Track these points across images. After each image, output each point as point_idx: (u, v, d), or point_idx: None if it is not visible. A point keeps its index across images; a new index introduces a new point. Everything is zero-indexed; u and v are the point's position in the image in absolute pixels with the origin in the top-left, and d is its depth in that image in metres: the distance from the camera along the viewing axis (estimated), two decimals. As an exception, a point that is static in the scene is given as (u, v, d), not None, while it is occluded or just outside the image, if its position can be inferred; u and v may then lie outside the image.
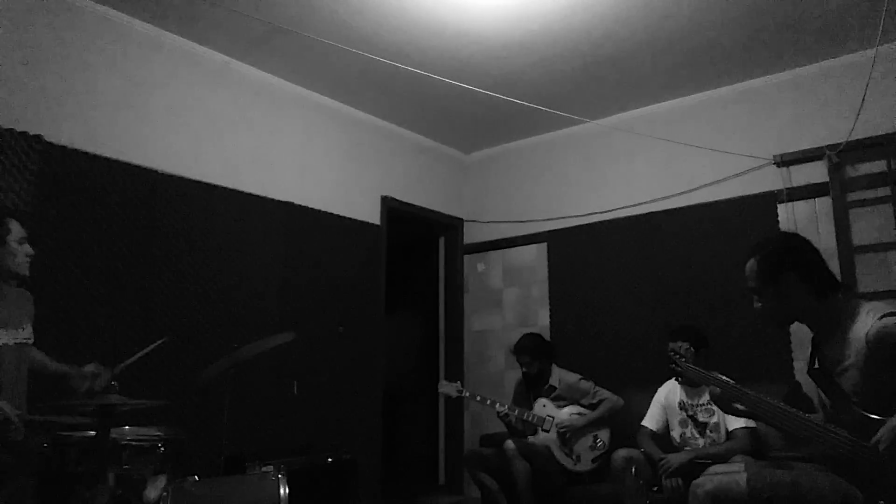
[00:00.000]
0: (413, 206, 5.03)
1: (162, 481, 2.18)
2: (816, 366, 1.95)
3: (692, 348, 3.21)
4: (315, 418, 4.01)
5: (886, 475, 1.64)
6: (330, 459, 3.48)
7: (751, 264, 2.04)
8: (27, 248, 2.40)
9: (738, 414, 2.13)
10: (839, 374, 1.84)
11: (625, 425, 3.63)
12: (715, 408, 3.20)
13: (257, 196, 3.94)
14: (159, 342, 2.73)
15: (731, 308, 3.89)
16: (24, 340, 2.38)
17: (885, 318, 1.74)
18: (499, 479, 3.65)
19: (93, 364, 2.55)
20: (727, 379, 2.14)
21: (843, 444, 1.75)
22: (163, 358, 3.33)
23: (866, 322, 1.78)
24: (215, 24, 3.53)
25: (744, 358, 3.77)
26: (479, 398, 3.88)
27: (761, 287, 2.00)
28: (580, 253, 4.69)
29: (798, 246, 2.01)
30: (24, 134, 2.97)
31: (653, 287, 4.28)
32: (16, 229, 2.39)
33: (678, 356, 2.52)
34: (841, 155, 3.71)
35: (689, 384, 3.30)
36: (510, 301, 5.11)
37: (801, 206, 3.84)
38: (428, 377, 5.29)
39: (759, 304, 2.04)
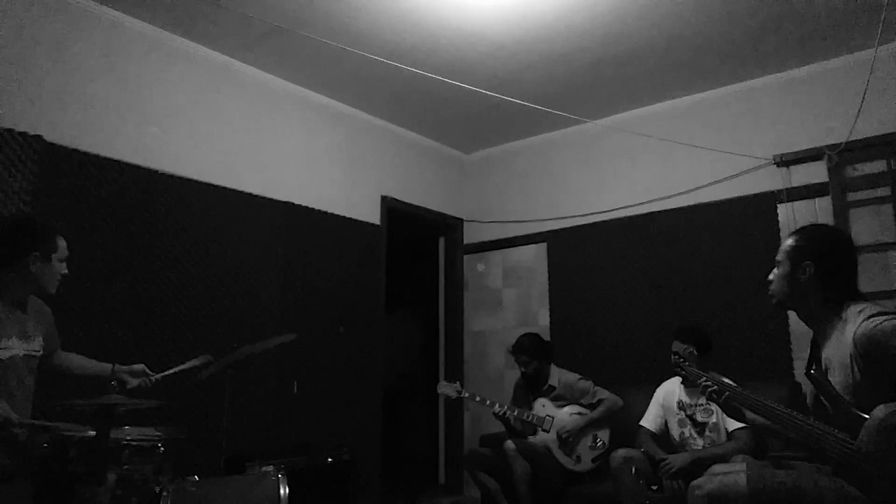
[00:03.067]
0: (413, 206, 5.03)
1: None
2: (814, 368, 1.96)
3: (695, 351, 3.21)
4: (315, 418, 4.02)
5: (882, 476, 1.64)
6: (330, 459, 3.49)
7: (789, 241, 2.05)
8: (63, 268, 2.45)
9: (739, 417, 2.14)
10: (833, 375, 1.85)
11: (625, 425, 3.63)
12: (714, 408, 3.21)
13: (257, 196, 3.94)
14: (203, 359, 2.74)
15: (731, 308, 3.90)
16: (34, 353, 2.41)
17: (871, 318, 1.75)
18: (499, 479, 3.65)
19: (141, 365, 2.65)
20: (730, 382, 2.15)
21: (841, 446, 1.75)
22: (164, 358, 3.33)
23: (855, 322, 1.78)
24: (215, 24, 3.53)
25: (744, 358, 3.77)
26: (478, 398, 3.88)
27: (782, 263, 2.03)
28: (580, 253, 4.69)
29: (837, 246, 2.01)
30: (24, 134, 2.97)
31: (652, 287, 4.28)
32: (62, 248, 2.44)
33: (682, 360, 2.52)
34: (841, 155, 3.71)
35: (694, 385, 3.29)
36: (510, 301, 5.11)
37: (801, 206, 3.84)
38: (428, 377, 5.29)
39: (771, 278, 2.07)
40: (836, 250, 1.99)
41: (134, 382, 2.61)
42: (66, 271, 2.47)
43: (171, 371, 2.69)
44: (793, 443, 1.95)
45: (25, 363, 2.36)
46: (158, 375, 2.67)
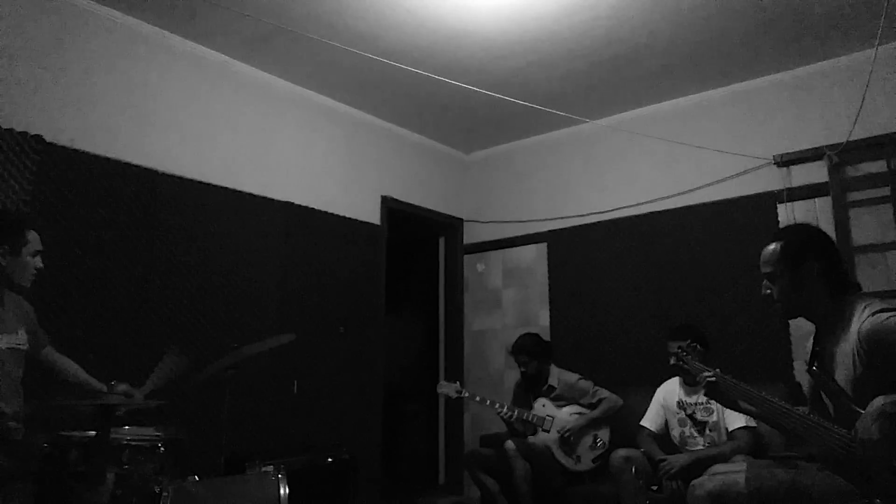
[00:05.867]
0: (413, 206, 5.03)
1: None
2: (816, 364, 1.95)
3: (698, 346, 3.20)
4: (315, 418, 4.01)
5: (875, 468, 1.64)
6: (330, 459, 3.49)
7: (772, 248, 2.01)
8: (37, 262, 2.42)
9: (740, 410, 2.14)
10: (835, 371, 1.85)
11: (625, 425, 3.63)
12: (714, 407, 3.21)
13: (257, 196, 3.94)
14: (172, 355, 2.70)
15: (731, 308, 3.90)
16: (18, 346, 2.39)
17: (877, 315, 1.74)
18: (499, 479, 3.65)
19: (125, 384, 2.59)
20: (732, 379, 2.15)
21: (839, 440, 1.75)
22: (161, 358, 3.33)
23: (861, 318, 1.78)
24: (215, 24, 3.53)
25: (744, 358, 3.77)
26: (478, 398, 3.88)
27: (779, 272, 1.98)
28: (580, 253, 4.69)
29: (823, 239, 2.00)
30: (24, 134, 2.97)
31: (653, 287, 4.28)
32: (33, 241, 2.40)
33: (686, 354, 2.51)
34: (841, 155, 3.71)
35: (695, 383, 3.29)
36: (510, 301, 5.11)
37: (801, 206, 3.84)
38: (428, 377, 5.29)
39: (770, 292, 2.02)
40: (827, 243, 1.99)
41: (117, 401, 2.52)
42: (41, 265, 2.43)
43: (152, 381, 2.61)
44: (790, 436, 1.96)
45: (10, 356, 2.34)
46: (141, 395, 2.57)
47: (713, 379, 2.14)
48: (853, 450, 1.69)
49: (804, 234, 2.04)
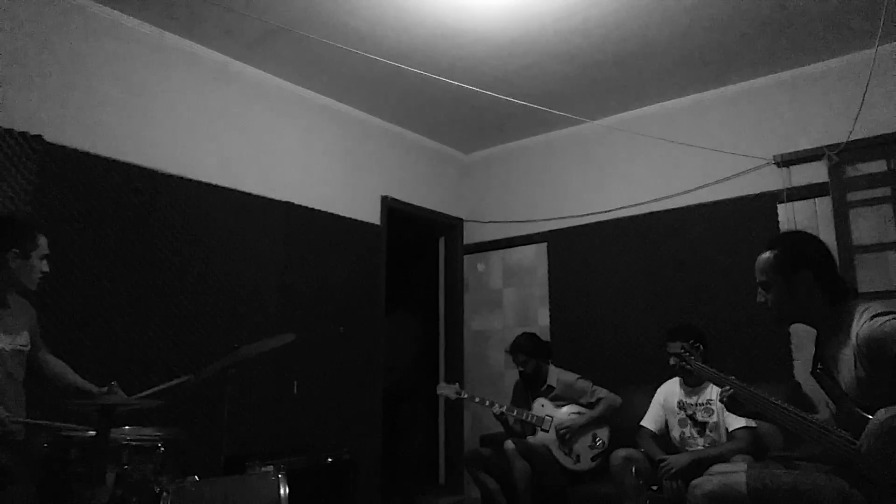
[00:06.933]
0: (413, 206, 5.03)
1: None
2: (819, 367, 1.95)
3: (701, 346, 3.19)
4: (315, 418, 4.01)
5: (880, 476, 1.64)
6: (330, 459, 3.49)
7: (766, 257, 2.01)
8: (44, 266, 2.45)
9: (745, 415, 2.13)
10: (837, 374, 1.85)
11: (625, 425, 3.63)
12: (714, 407, 3.21)
13: (257, 196, 3.94)
14: (183, 378, 2.68)
15: (731, 308, 3.89)
16: (21, 347, 2.41)
17: (875, 318, 1.74)
18: (499, 479, 3.65)
19: (114, 385, 2.54)
20: (734, 379, 2.14)
21: (844, 445, 1.75)
22: (163, 358, 3.34)
23: (859, 321, 1.78)
24: (215, 24, 3.53)
25: (744, 358, 3.77)
26: (477, 399, 3.88)
27: (773, 281, 1.99)
28: (580, 253, 4.69)
29: (818, 247, 2.00)
30: (24, 134, 2.97)
31: (653, 287, 4.28)
32: (42, 245, 2.44)
33: (688, 354, 2.51)
34: (841, 155, 3.71)
35: (695, 383, 3.29)
36: (510, 301, 5.11)
37: (801, 206, 3.84)
38: (428, 377, 5.29)
39: (765, 300, 2.02)
40: (821, 252, 1.98)
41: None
42: (48, 269, 2.46)
43: (150, 392, 2.58)
44: (803, 442, 1.96)
45: (13, 358, 2.36)
46: (135, 398, 2.53)
47: (730, 391, 2.12)
48: (857, 458, 1.69)
49: (799, 242, 2.03)
